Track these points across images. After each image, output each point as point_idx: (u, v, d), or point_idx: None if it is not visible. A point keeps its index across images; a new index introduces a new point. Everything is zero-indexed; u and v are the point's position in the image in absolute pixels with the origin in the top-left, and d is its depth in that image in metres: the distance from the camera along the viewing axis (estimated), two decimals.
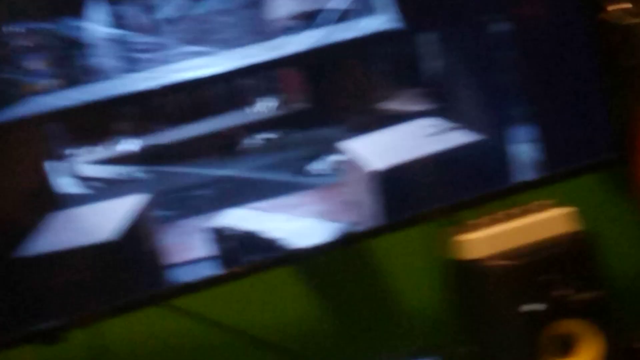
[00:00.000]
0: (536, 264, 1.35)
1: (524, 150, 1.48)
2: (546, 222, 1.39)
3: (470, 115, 1.48)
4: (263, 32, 1.41)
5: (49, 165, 1.35)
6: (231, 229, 1.41)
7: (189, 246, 1.41)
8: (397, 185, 1.44)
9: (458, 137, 1.46)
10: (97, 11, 1.37)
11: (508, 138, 1.48)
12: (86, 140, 1.40)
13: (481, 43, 1.48)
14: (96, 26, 1.36)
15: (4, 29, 1.32)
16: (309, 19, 1.42)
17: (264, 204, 1.43)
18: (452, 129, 1.47)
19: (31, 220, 1.33)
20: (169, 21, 1.40)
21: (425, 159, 1.45)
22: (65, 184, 1.37)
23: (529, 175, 1.49)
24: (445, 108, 1.47)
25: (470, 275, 1.38)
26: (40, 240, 1.32)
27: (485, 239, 1.38)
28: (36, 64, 1.36)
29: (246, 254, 1.42)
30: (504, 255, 1.36)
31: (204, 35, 1.40)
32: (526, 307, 1.30)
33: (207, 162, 1.43)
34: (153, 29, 1.39)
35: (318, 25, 1.41)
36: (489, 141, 1.47)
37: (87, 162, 1.39)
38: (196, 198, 1.42)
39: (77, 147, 1.39)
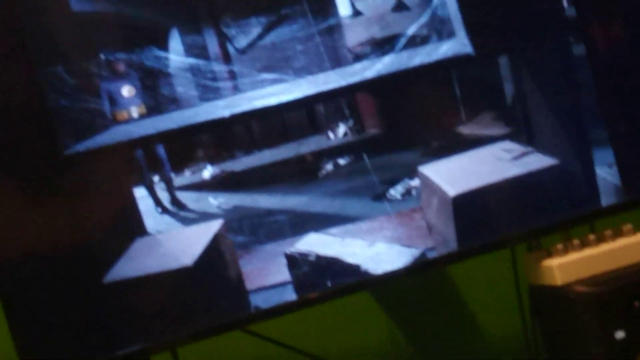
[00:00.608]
0: (626, 290, 1.32)
1: (602, 174, 1.46)
2: (630, 247, 1.36)
3: (547, 139, 1.46)
4: (339, 58, 1.42)
5: (134, 192, 1.39)
6: (307, 255, 1.42)
7: (265, 272, 1.42)
8: (475, 209, 1.43)
9: (535, 161, 1.44)
10: (176, 41, 1.40)
11: (586, 162, 1.46)
12: (168, 166, 1.43)
13: (557, 65, 1.46)
14: (176, 56, 1.39)
15: (89, 59, 1.36)
16: (384, 45, 1.43)
17: (340, 229, 1.43)
18: (528, 153, 1.45)
19: (120, 245, 1.36)
20: (244, 50, 1.42)
21: (502, 184, 1.43)
22: (149, 210, 1.40)
23: (607, 199, 1.46)
24: (521, 132, 1.46)
25: (557, 301, 1.35)
26: (127, 265, 1.35)
27: (571, 265, 1.35)
28: (120, 93, 1.40)
29: (322, 279, 1.42)
30: (591, 281, 1.33)
31: (279, 63, 1.42)
32: (617, 334, 1.28)
33: (283, 187, 1.45)
34: (229, 58, 1.42)
35: (394, 51, 1.42)
36: (567, 165, 1.45)
37: (169, 189, 1.42)
38: (273, 223, 1.44)
39: (160, 174, 1.42)
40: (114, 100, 1.39)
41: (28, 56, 1.33)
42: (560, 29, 1.45)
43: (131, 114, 1.40)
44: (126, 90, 1.39)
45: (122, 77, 1.39)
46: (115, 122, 1.38)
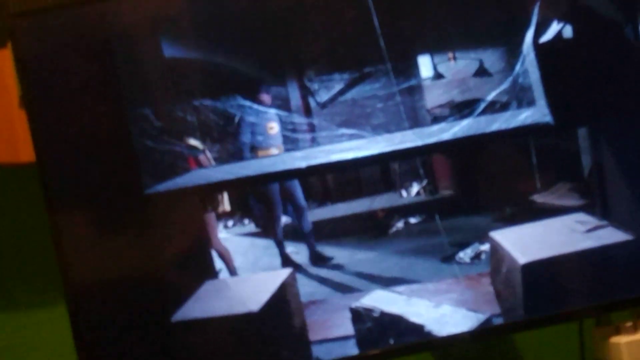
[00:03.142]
0: None
1: None
2: None
3: (622, 213, 1.44)
4: (417, 118, 1.44)
5: (206, 235, 1.42)
6: (372, 310, 1.42)
7: (329, 324, 1.43)
8: (544, 279, 1.41)
9: (609, 235, 1.42)
10: (263, 92, 1.44)
11: None
12: (241, 213, 1.46)
13: (637, 140, 1.44)
14: (257, 106, 1.43)
15: (176, 103, 1.41)
16: (464, 108, 1.44)
17: (406, 288, 1.43)
18: (603, 226, 1.43)
19: (190, 286, 1.40)
20: (325, 104, 1.45)
21: (574, 255, 1.41)
22: (219, 254, 1.43)
23: None
24: (596, 205, 1.44)
25: None
26: (195, 306, 1.38)
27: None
28: (264, 129, 1.42)
29: (385, 336, 1.42)
30: None
31: (358, 119, 1.44)
32: None
33: (353, 241, 1.46)
34: (310, 111, 1.45)
35: (473, 115, 1.43)
36: None
37: (239, 234, 1.45)
38: (340, 277, 1.45)
39: (232, 219, 1.45)
40: (256, 136, 1.41)
41: (120, 96, 1.38)
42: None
43: (272, 153, 1.43)
44: (270, 127, 1.41)
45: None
46: (255, 158, 1.41)
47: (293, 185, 1.42)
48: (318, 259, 1.43)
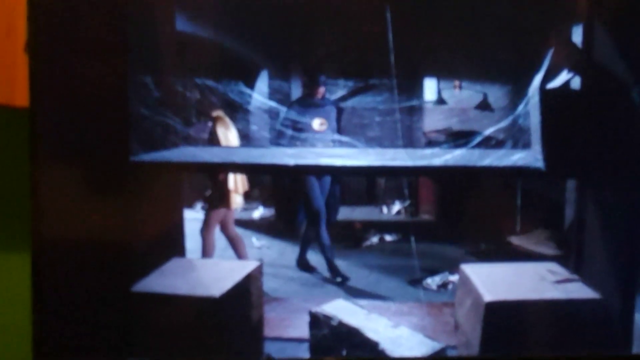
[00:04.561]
0: None
1: None
2: None
3: (595, 271, 1.45)
4: (412, 139, 1.44)
5: (182, 213, 1.42)
6: (331, 318, 1.42)
7: (287, 323, 1.43)
8: (505, 321, 1.41)
9: (577, 290, 1.43)
10: (263, 83, 1.44)
11: (627, 305, 1.43)
12: (220, 197, 1.46)
13: (626, 204, 1.44)
14: (259, 96, 1.43)
15: (179, 78, 1.40)
16: (459, 138, 1.44)
17: (368, 302, 1.44)
18: (572, 280, 1.43)
19: (157, 260, 1.39)
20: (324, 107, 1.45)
21: (538, 303, 1.42)
22: (191, 233, 1.43)
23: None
24: (570, 258, 1.45)
25: None
26: (158, 280, 1.37)
27: None
28: (309, 124, 1.42)
29: (339, 346, 1.42)
30: None
31: (354, 128, 1.44)
32: None
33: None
34: (307, 111, 1.45)
35: (467, 146, 1.43)
36: (607, 303, 1.42)
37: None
38: (306, 278, 1.45)
39: (210, 202, 1.45)
40: (299, 130, 1.39)
41: (124, 60, 1.38)
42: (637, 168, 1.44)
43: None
44: (318, 124, 1.38)
45: (317, 107, 1.40)
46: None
47: (329, 191, 1.40)
48: (304, 266, 1.43)
